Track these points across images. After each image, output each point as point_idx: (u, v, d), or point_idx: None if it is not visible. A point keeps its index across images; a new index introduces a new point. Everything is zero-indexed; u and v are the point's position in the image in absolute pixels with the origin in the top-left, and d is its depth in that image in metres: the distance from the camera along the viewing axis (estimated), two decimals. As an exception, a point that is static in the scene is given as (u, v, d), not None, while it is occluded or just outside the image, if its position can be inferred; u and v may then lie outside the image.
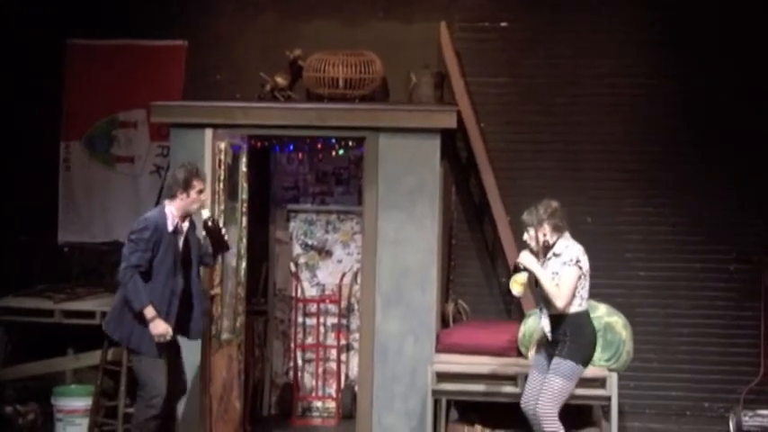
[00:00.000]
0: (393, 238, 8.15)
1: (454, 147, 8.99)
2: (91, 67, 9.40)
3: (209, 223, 7.29)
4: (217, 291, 7.87)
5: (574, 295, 6.83)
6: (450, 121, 8.20)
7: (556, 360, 6.86)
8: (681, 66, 8.84)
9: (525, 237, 7.02)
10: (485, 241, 9.05)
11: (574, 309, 6.86)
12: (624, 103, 8.91)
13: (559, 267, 6.85)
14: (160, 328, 7.00)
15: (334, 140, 8.90)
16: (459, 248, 9.07)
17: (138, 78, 9.32)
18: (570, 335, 6.84)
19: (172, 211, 7.13)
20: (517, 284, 6.92)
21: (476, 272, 9.04)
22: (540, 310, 7.02)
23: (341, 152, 9.10)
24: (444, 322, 8.73)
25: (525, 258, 6.91)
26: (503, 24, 9.06)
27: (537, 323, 7.98)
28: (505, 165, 8.93)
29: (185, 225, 7.23)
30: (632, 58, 8.90)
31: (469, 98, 8.78)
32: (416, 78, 8.89)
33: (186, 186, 7.11)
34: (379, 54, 8.91)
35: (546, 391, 6.84)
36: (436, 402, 7.98)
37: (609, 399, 7.69)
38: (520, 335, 8.08)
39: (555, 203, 6.95)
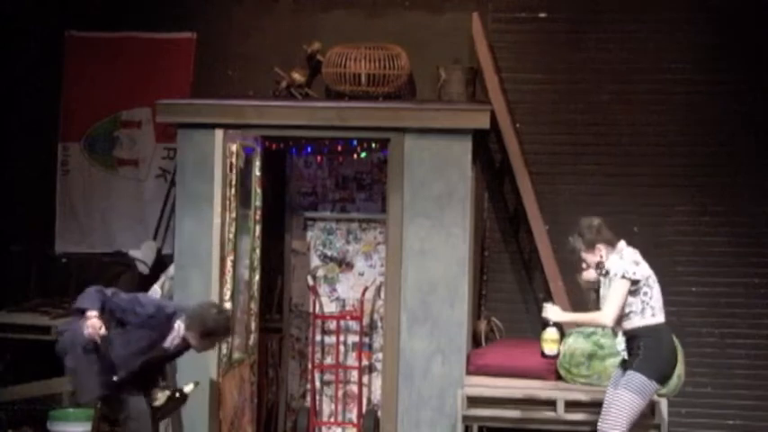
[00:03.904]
0: (420, 249, 8.18)
1: (487, 149, 9.01)
2: (91, 62, 9.48)
3: (177, 395, 7.24)
4: (228, 306, 7.90)
5: (638, 310, 6.84)
6: (482, 121, 8.22)
7: (627, 373, 6.90)
8: (741, 63, 8.83)
9: (584, 273, 7.04)
10: (520, 252, 9.06)
11: (645, 321, 6.87)
12: (676, 102, 8.91)
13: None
14: (95, 322, 6.82)
15: (355, 142, 8.91)
16: (492, 260, 9.08)
17: (142, 74, 9.39)
18: (644, 348, 6.86)
19: (180, 331, 7.04)
20: (549, 343, 7.02)
21: (510, 286, 9.06)
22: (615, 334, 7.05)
23: (363, 155, 9.12)
24: (476, 341, 8.75)
25: (551, 312, 7.00)
26: (541, 15, 9.08)
27: (578, 342, 8.01)
28: (543, 169, 8.95)
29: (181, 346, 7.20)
30: (685, 52, 8.90)
31: (504, 96, 8.79)
32: (446, 74, 8.94)
33: (203, 335, 6.99)
34: (406, 48, 8.95)
35: (612, 405, 6.89)
36: (467, 429, 7.99)
37: (658, 427, 7.68)
38: (559, 356, 8.07)
39: (596, 220, 7.00)
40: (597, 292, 7.04)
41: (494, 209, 9.09)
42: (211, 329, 6.99)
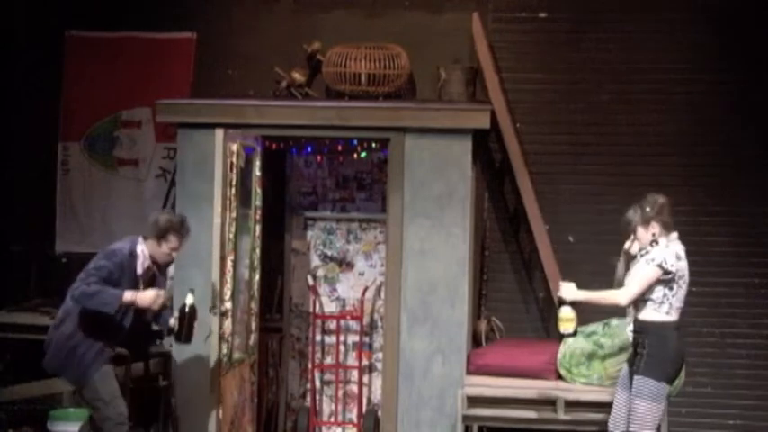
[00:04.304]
0: (420, 249, 8.19)
1: (487, 149, 9.01)
2: (91, 62, 9.49)
3: (186, 310, 7.33)
4: (228, 306, 7.93)
5: (657, 300, 6.83)
6: (482, 121, 8.23)
7: (635, 379, 6.88)
8: (741, 63, 8.82)
9: (628, 243, 7.02)
10: (520, 252, 9.06)
11: (659, 316, 6.87)
12: (676, 102, 8.91)
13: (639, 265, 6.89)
14: (148, 295, 7.06)
15: (355, 142, 8.93)
16: (492, 260, 9.08)
17: (142, 74, 9.40)
18: (649, 346, 6.85)
19: (144, 251, 7.23)
20: (564, 322, 6.98)
21: (511, 286, 9.06)
22: (628, 309, 7.03)
23: (363, 155, 9.14)
24: (476, 341, 8.76)
25: (566, 290, 6.96)
26: (541, 15, 9.08)
27: (578, 342, 8.02)
28: (543, 168, 8.95)
29: (153, 268, 7.32)
30: (687, 52, 8.89)
31: (504, 96, 8.80)
32: (446, 74, 8.94)
33: (160, 237, 7.20)
34: (406, 47, 8.95)
35: (632, 418, 6.88)
36: (467, 429, 8.00)
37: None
38: (559, 355, 8.11)
39: (662, 199, 6.99)
40: (627, 268, 7.02)
41: (494, 209, 9.09)
42: (165, 227, 7.16)
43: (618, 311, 8.00)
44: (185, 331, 7.33)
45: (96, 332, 7.13)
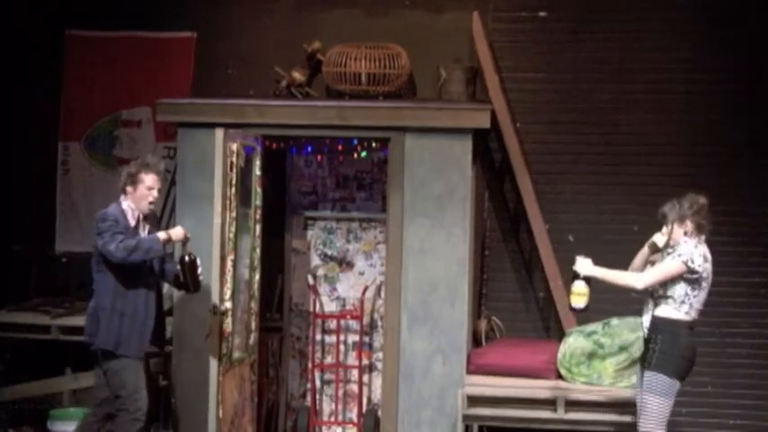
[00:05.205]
0: (420, 249, 8.17)
1: (487, 148, 9.01)
2: (91, 61, 9.50)
3: (186, 259, 7.47)
4: (228, 305, 7.92)
5: (678, 299, 6.81)
6: (483, 121, 8.21)
7: (646, 375, 6.87)
8: (741, 64, 8.82)
9: (658, 236, 6.98)
10: (521, 252, 9.05)
11: (677, 315, 6.84)
12: (676, 102, 8.90)
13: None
14: (179, 228, 7.50)
15: (356, 141, 8.92)
16: (492, 260, 9.07)
17: (142, 73, 9.41)
18: (661, 342, 6.82)
19: (129, 205, 7.41)
20: (576, 296, 6.94)
21: (511, 285, 9.05)
22: (646, 305, 7.02)
23: (363, 154, 9.13)
24: (476, 341, 8.76)
25: (581, 265, 6.93)
26: (541, 14, 9.08)
27: (579, 342, 8.01)
28: (543, 168, 8.94)
29: (146, 225, 7.50)
30: (687, 52, 8.89)
31: (504, 95, 8.79)
32: (446, 73, 8.93)
33: (133, 181, 7.38)
34: (406, 47, 8.95)
35: (642, 412, 6.88)
36: (467, 428, 7.99)
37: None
38: (559, 355, 8.10)
39: (703, 200, 6.97)
40: (647, 261, 7.01)
41: (494, 208, 9.08)
42: (135, 170, 7.40)
43: (618, 311, 8.02)
44: (190, 280, 7.50)
45: (133, 290, 7.28)
